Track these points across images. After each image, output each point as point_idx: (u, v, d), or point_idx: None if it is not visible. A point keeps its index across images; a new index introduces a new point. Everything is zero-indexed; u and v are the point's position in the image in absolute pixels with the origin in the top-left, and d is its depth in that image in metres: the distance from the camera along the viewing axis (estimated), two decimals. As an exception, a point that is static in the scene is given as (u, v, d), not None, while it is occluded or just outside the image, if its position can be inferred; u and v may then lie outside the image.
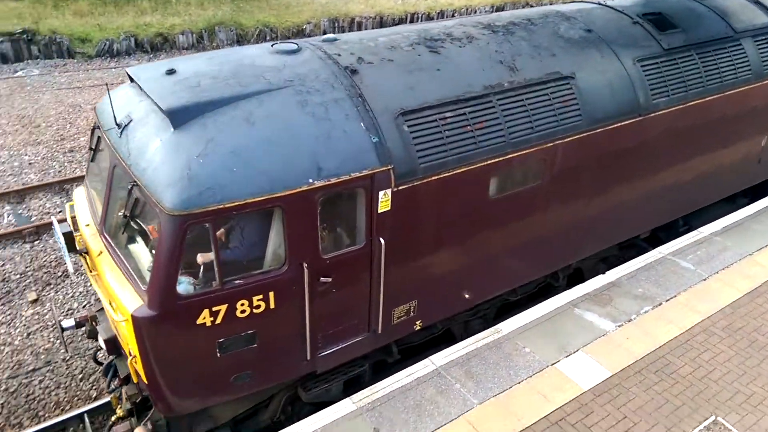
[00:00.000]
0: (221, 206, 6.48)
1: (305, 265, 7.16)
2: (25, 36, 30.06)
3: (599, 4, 10.98)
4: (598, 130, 9.08)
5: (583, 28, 9.72)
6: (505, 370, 8.52)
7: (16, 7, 32.57)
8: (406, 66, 8.04)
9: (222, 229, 6.96)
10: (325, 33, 32.78)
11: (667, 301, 10.00)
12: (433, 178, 7.72)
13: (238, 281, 6.92)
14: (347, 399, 8.08)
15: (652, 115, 9.71)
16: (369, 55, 8.07)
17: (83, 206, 8.41)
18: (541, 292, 10.80)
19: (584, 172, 9.28)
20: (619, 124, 9.31)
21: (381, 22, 33.96)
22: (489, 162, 8.14)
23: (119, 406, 8.93)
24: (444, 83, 8.02)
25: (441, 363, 8.66)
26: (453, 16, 35.59)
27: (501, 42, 8.90)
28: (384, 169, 7.32)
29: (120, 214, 7.18)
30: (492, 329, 9.27)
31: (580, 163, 9.15)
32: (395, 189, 7.47)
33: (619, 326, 9.40)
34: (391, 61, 8.04)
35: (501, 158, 8.22)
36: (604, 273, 10.81)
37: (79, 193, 8.78)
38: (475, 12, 36.41)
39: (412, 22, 34.64)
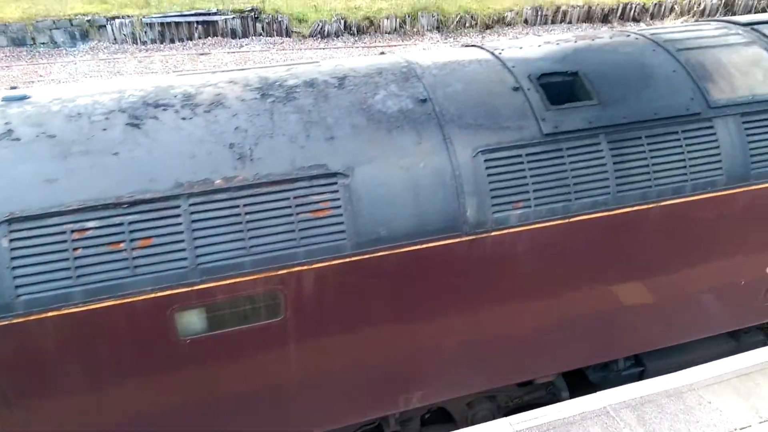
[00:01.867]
0: None
1: None
2: (252, 13, 30.32)
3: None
4: (380, 254, 5.73)
5: (415, 97, 6.23)
6: (684, 425, 7.22)
7: (248, -14, 33.10)
8: (67, 146, 5.54)
9: None
10: (526, 22, 28.94)
11: None
12: (51, 314, 5.17)
13: None
14: (505, 419, 7.21)
15: (492, 234, 6.00)
16: (29, 126, 5.63)
17: None
18: None
19: (369, 303, 6.01)
20: (422, 246, 5.82)
21: (589, 13, 29.20)
22: (162, 294, 5.36)
23: None
24: (108, 176, 5.41)
25: (611, 402, 7.45)
26: (672, 9, 29.58)
27: (256, 114, 5.92)
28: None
29: None
30: (675, 375, 7.80)
31: (359, 293, 5.91)
32: (-24, 327, 5.09)
33: (835, 400, 7.58)
34: (51, 138, 5.53)
35: (186, 289, 5.37)
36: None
37: None
38: (699, 5, 29.86)
39: (623, 14, 29.39)
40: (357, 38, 29.67)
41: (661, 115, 6.66)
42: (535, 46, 7.22)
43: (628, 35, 7.54)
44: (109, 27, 26.20)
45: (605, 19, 29.44)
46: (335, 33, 29.74)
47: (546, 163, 6.23)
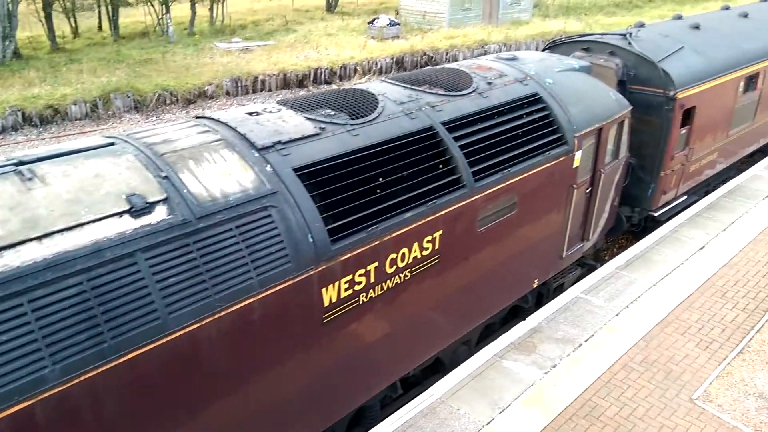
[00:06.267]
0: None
1: None
2: None
3: None
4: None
5: None
6: (444, 437, 7.40)
7: None
8: None
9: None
10: (228, 93, 26.20)
11: (585, 341, 8.82)
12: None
13: None
14: None
15: None
16: None
17: None
18: None
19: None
20: None
21: (285, 80, 27.60)
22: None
23: None
24: None
25: (374, 434, 7.39)
26: (355, 70, 29.36)
27: None
28: None
29: None
30: (426, 393, 7.70)
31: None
32: None
33: (546, 373, 8.16)
34: None
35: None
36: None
37: None
38: (377, 65, 30.08)
39: (316, 78, 28.42)
40: (42, 129, 24.40)
41: None
42: None
43: None
44: None
45: (301, 84, 28.09)
46: (12, 127, 24.30)
47: None
